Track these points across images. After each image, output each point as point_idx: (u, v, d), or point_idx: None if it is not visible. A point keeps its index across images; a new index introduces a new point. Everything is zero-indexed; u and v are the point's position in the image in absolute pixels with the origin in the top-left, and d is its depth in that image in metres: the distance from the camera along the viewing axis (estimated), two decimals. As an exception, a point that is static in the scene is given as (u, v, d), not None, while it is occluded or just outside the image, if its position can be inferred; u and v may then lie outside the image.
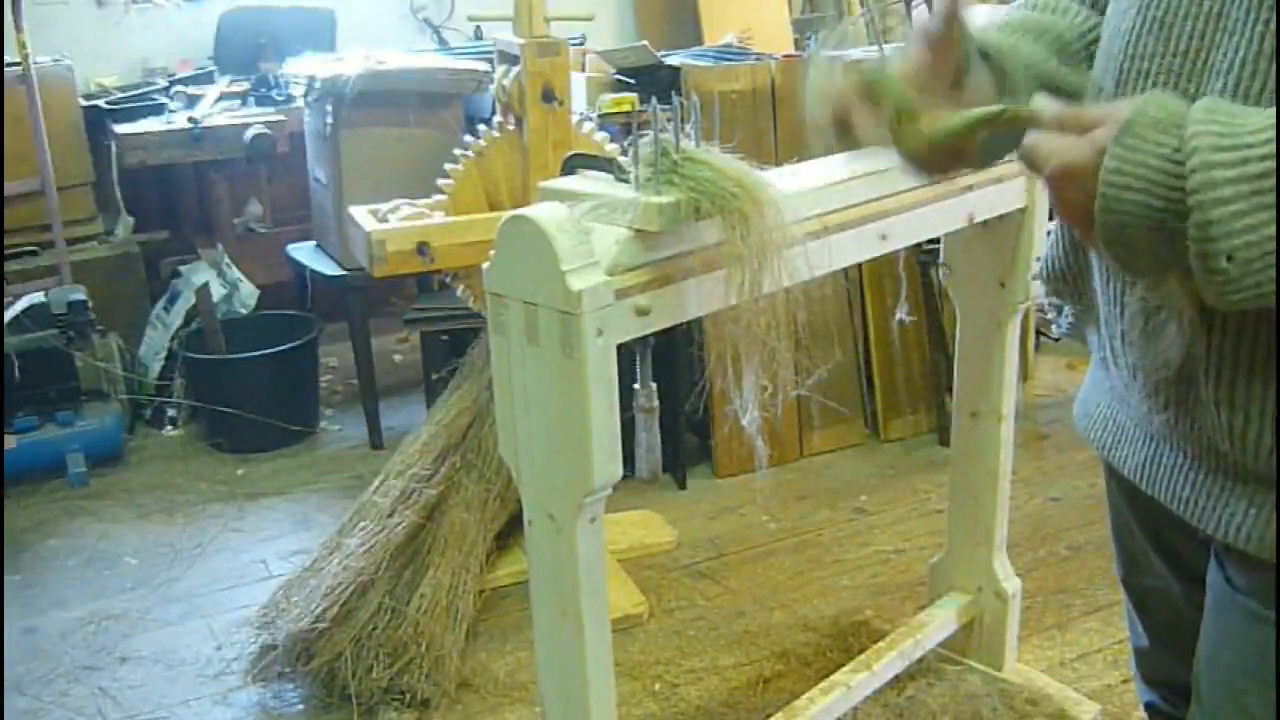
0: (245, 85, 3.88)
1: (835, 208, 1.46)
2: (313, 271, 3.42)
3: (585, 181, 1.31)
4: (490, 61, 2.72)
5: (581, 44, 3.67)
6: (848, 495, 3.05)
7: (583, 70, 3.29)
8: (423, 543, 2.41)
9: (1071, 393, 1.20)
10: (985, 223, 1.76)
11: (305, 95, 3.38)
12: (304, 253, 3.52)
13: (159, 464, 3.37)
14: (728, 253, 1.22)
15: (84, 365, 3.35)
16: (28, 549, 2.90)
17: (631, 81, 3.20)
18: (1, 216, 3.46)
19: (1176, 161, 0.76)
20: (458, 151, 2.38)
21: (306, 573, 2.42)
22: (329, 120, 3.19)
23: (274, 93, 3.81)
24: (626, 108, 3.08)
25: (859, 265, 3.19)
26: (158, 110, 3.73)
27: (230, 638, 2.44)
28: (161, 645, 2.48)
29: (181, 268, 3.77)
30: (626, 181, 1.26)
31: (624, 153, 1.36)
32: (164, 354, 3.57)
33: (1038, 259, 1.81)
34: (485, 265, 1.23)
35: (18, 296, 3.43)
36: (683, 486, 3.11)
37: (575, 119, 2.37)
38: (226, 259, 3.76)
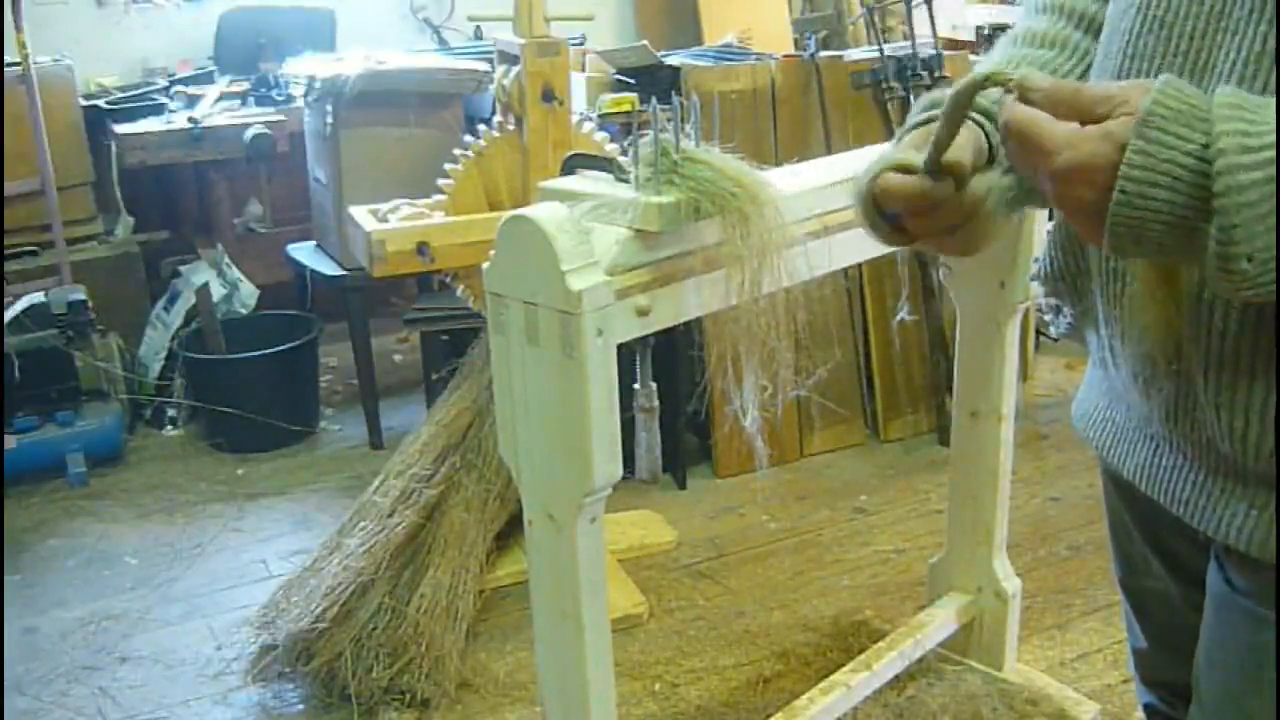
0: (245, 85, 3.88)
1: (835, 208, 1.46)
2: (313, 271, 3.41)
3: (585, 181, 1.31)
4: (490, 61, 2.72)
5: (581, 44, 3.68)
6: (848, 495, 3.05)
7: (583, 70, 3.29)
8: (423, 543, 2.41)
9: (1071, 393, 1.20)
10: (985, 223, 1.76)
11: (305, 95, 3.38)
12: (304, 253, 3.52)
13: (159, 464, 3.37)
14: (728, 253, 1.22)
15: (84, 365, 3.35)
16: (28, 549, 2.90)
17: (631, 81, 3.20)
18: (1, 216, 3.46)
19: (1204, 159, 0.74)
20: (458, 151, 2.38)
21: (306, 573, 2.42)
22: (329, 120, 3.19)
23: (274, 93, 3.81)
24: (626, 108, 3.08)
25: (859, 265, 3.20)
26: (158, 110, 3.73)
27: (230, 638, 2.44)
28: (161, 645, 2.48)
29: (181, 268, 3.77)
30: (626, 181, 1.26)
31: (624, 153, 1.36)
32: (164, 354, 3.57)
33: (1035, 259, 1.81)
34: (485, 265, 1.23)
35: (18, 296, 3.43)
36: (683, 486, 3.11)
37: (575, 119, 2.37)
38: (226, 259, 3.76)
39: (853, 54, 3.42)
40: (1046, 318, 1.12)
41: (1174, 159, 0.74)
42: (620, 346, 1.21)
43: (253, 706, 2.27)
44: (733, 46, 3.68)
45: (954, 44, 3.93)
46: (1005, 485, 2.05)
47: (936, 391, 3.33)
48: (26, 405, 3.25)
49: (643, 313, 1.22)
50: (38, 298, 3.38)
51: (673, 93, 1.68)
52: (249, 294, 3.72)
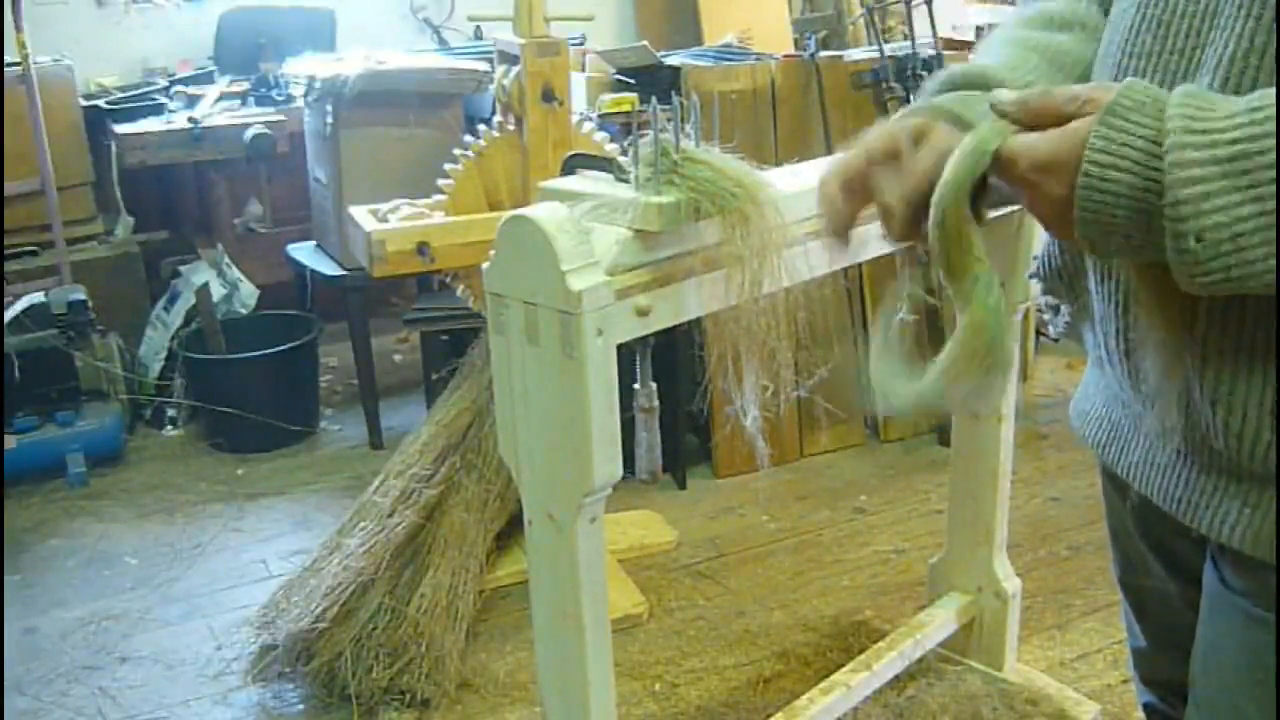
0: (245, 85, 3.88)
1: (835, 208, 1.45)
2: (313, 271, 3.41)
3: (585, 181, 1.31)
4: (490, 61, 2.72)
5: (581, 44, 3.68)
6: (848, 495, 3.05)
7: (583, 70, 3.29)
8: (423, 543, 2.41)
9: (1071, 392, 1.20)
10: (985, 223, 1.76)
11: (305, 95, 3.38)
12: (304, 253, 3.52)
13: (159, 464, 3.37)
14: (728, 253, 1.22)
15: (84, 365, 3.35)
16: (28, 549, 2.90)
17: (631, 81, 3.20)
18: (1, 216, 3.46)
19: (1156, 142, 0.77)
20: (458, 151, 2.38)
21: (306, 573, 2.42)
22: (329, 120, 3.19)
23: (274, 93, 3.80)
24: (626, 108, 3.08)
25: (859, 265, 3.19)
26: (158, 110, 3.73)
27: (230, 638, 2.44)
28: (161, 645, 2.48)
29: (181, 268, 3.77)
30: (626, 181, 1.26)
31: (624, 153, 1.36)
32: (164, 354, 3.57)
33: (1035, 257, 1.81)
34: (485, 265, 1.23)
35: (18, 296, 3.43)
36: (683, 486, 3.11)
37: (575, 119, 2.37)
38: (226, 259, 3.76)
39: (853, 54, 3.42)
40: (1045, 316, 1.12)
41: (1130, 143, 0.78)
42: (620, 346, 1.21)
43: (253, 706, 2.27)
44: (733, 46, 3.68)
45: (954, 44, 3.93)
46: (1005, 485, 2.05)
47: (936, 391, 3.32)
48: (26, 405, 3.25)
49: (643, 313, 1.22)
50: (38, 298, 3.38)
51: (673, 93, 1.68)
52: (249, 294, 3.72)
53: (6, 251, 3.50)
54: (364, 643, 2.24)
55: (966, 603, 2.11)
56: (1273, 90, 0.76)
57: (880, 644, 2.03)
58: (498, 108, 2.42)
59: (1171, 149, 0.76)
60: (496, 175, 2.36)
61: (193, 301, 3.52)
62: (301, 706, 2.26)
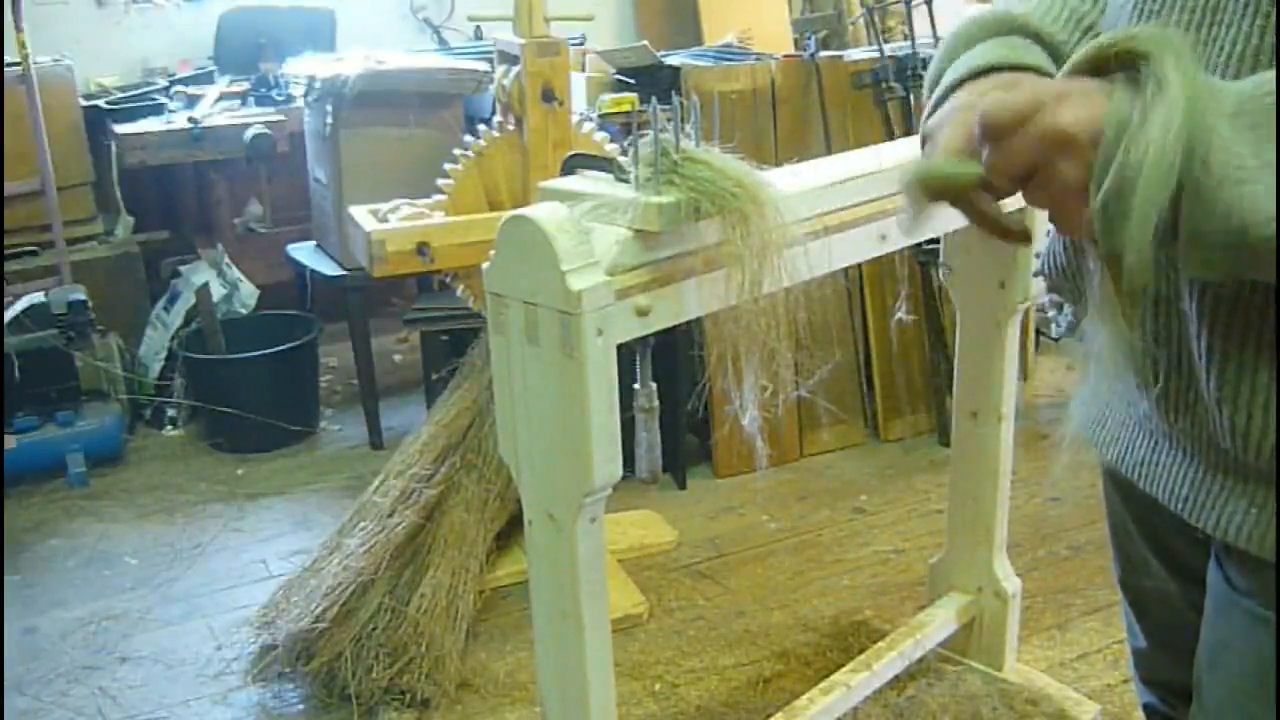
0: (245, 85, 3.88)
1: (835, 208, 1.46)
2: (313, 271, 3.42)
3: (585, 181, 1.31)
4: (490, 61, 2.72)
5: (581, 44, 3.67)
6: (848, 495, 3.05)
7: (583, 70, 3.29)
8: (423, 543, 2.41)
9: (1071, 392, 1.20)
10: (985, 223, 1.76)
11: (305, 95, 3.38)
12: (304, 253, 3.52)
13: (159, 464, 3.37)
14: (728, 253, 1.22)
15: (84, 365, 3.35)
16: (28, 549, 2.90)
17: (631, 81, 3.20)
18: (1, 216, 3.46)
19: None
20: (458, 151, 2.38)
21: (306, 573, 2.42)
22: (329, 120, 3.19)
23: (274, 93, 3.81)
24: (626, 108, 3.08)
25: (859, 265, 3.20)
26: (158, 110, 3.73)
27: (230, 638, 2.44)
28: (161, 645, 2.48)
29: (181, 268, 3.77)
30: (626, 181, 1.26)
31: (624, 153, 1.36)
32: (164, 354, 3.57)
33: (1037, 255, 1.81)
34: (485, 265, 1.23)
35: (18, 296, 3.43)
36: (683, 486, 3.11)
37: (575, 119, 2.37)
38: (226, 259, 3.76)
39: (853, 54, 3.42)
40: (1048, 315, 1.12)
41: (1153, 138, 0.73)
42: (620, 346, 1.21)
43: (253, 706, 2.27)
44: (733, 46, 3.68)
45: (954, 44, 3.92)
46: (1005, 485, 2.05)
47: (936, 391, 3.33)
48: (26, 405, 3.26)
49: (643, 313, 1.22)
50: (38, 298, 3.38)
51: (673, 93, 1.68)
52: (249, 294, 3.72)
53: (6, 251, 3.50)
54: (364, 643, 2.24)
55: (966, 603, 2.11)
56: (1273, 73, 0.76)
57: (880, 644, 2.03)
58: (498, 108, 2.42)
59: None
60: (496, 175, 2.36)
61: (193, 301, 3.52)
62: (301, 706, 2.26)
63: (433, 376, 3.11)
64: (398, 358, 4.11)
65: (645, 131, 1.24)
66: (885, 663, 1.98)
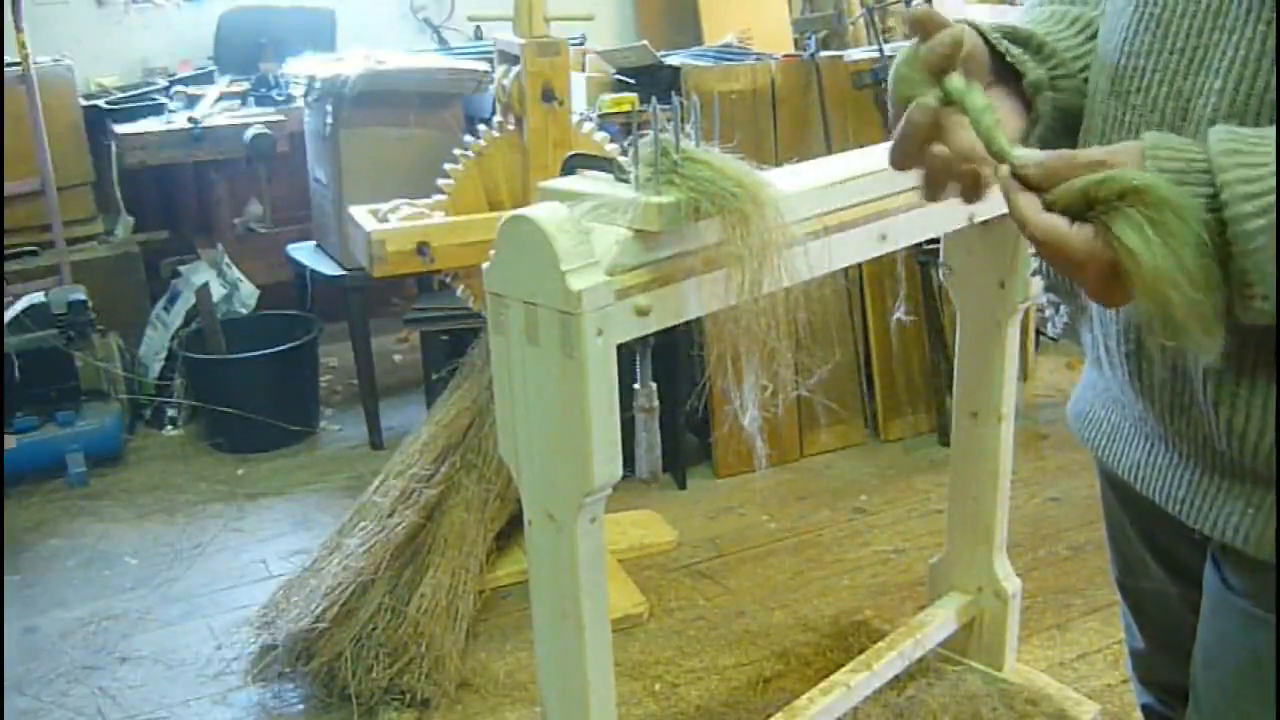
0: (245, 85, 3.88)
1: (835, 208, 1.46)
2: (313, 271, 3.42)
3: (585, 181, 1.31)
4: (490, 61, 2.72)
5: (581, 44, 3.67)
6: (848, 495, 3.05)
7: (583, 70, 3.29)
8: (423, 543, 2.41)
9: (1071, 392, 1.20)
10: (985, 222, 1.76)
11: (305, 95, 3.38)
12: (304, 253, 3.52)
13: (159, 464, 3.37)
14: (728, 253, 1.22)
15: (84, 365, 3.35)
16: (28, 549, 2.90)
17: (631, 81, 3.20)
18: (1, 216, 3.46)
19: (1214, 210, 0.77)
20: (458, 151, 2.38)
21: (306, 573, 2.42)
22: (329, 120, 3.19)
23: (274, 93, 3.81)
24: (626, 108, 3.08)
25: (859, 265, 3.20)
26: (158, 110, 3.73)
27: (230, 638, 2.44)
28: (161, 645, 2.48)
29: (181, 268, 3.77)
30: (626, 181, 1.26)
31: (624, 153, 1.36)
32: (164, 354, 3.57)
33: (1034, 253, 1.81)
34: (485, 265, 1.23)
35: (18, 296, 3.43)
36: (683, 486, 3.11)
37: (575, 119, 2.37)
38: (226, 259, 3.76)
39: (853, 54, 3.42)
40: (1045, 314, 1.12)
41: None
42: (620, 346, 1.21)
43: (253, 706, 2.27)
44: (733, 46, 3.68)
45: (954, 44, 3.92)
46: (1005, 485, 2.05)
47: (936, 391, 3.33)
48: (26, 405, 3.26)
49: (643, 313, 1.22)
50: (38, 298, 3.38)
51: (673, 93, 1.68)
52: (249, 294, 3.72)
53: (6, 251, 3.50)
54: (364, 643, 2.24)
55: (966, 603, 2.11)
56: None
57: (880, 644, 2.03)
58: (498, 108, 2.42)
59: (1234, 220, 0.76)
60: (496, 175, 2.36)
61: (193, 301, 3.52)
62: (301, 706, 2.26)
63: (433, 376, 3.11)
64: (398, 358, 4.11)
65: (645, 131, 1.24)
66: (885, 663, 1.98)
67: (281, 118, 3.64)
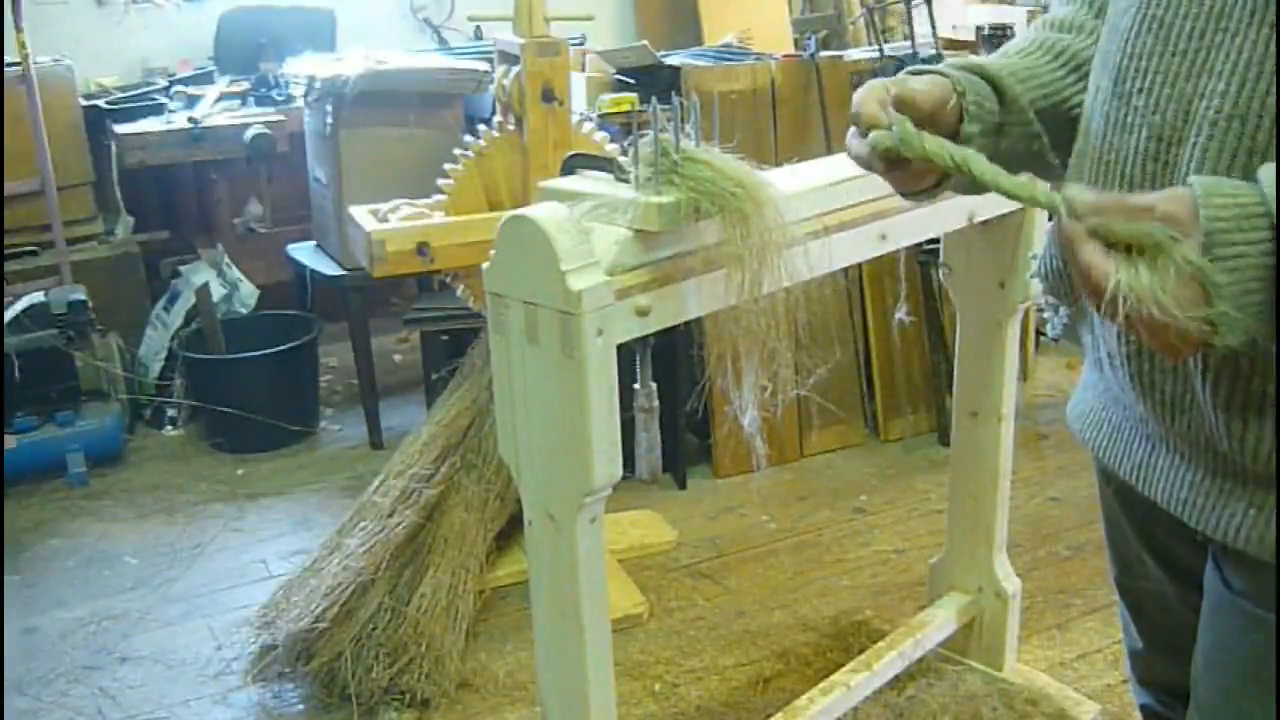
0: (245, 85, 3.88)
1: (835, 208, 1.46)
2: (313, 271, 3.42)
3: (585, 181, 1.31)
4: (490, 61, 2.72)
5: (581, 44, 3.67)
6: (848, 495, 3.05)
7: (583, 70, 3.29)
8: (423, 543, 2.41)
9: (1071, 393, 1.20)
10: (985, 223, 1.76)
11: (305, 95, 3.38)
12: (304, 253, 3.52)
13: (159, 464, 3.37)
14: (728, 253, 1.22)
15: (84, 365, 3.35)
16: (28, 549, 2.90)
17: (631, 81, 3.20)
18: (1, 216, 3.46)
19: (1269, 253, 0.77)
20: (458, 151, 2.38)
21: (306, 573, 2.42)
22: (329, 120, 3.19)
23: (274, 93, 3.81)
24: (626, 108, 3.08)
25: (859, 265, 3.20)
26: (158, 110, 3.73)
27: (230, 638, 2.44)
28: (161, 645, 2.48)
29: (181, 268, 3.77)
30: (626, 181, 1.26)
31: (624, 153, 1.36)
32: (164, 354, 3.57)
33: (1033, 256, 1.81)
34: (485, 265, 1.23)
35: (18, 296, 3.43)
36: (683, 486, 3.11)
37: (575, 119, 2.37)
38: (226, 259, 3.76)
39: (853, 54, 3.42)
40: (1045, 315, 1.13)
41: (1253, 263, 0.76)
42: (620, 346, 1.21)
43: (253, 706, 2.27)
44: (733, 46, 3.68)
45: (954, 44, 3.93)
46: (1005, 485, 2.05)
47: (936, 391, 3.33)
48: (26, 405, 3.25)
49: (643, 313, 1.22)
50: (38, 298, 3.38)
51: (673, 93, 1.68)
52: (249, 294, 3.72)
53: (6, 251, 3.50)
54: (364, 643, 2.24)
55: (966, 603, 2.11)
56: None
57: (880, 644, 2.03)
58: (498, 108, 2.42)
59: None
60: (496, 175, 2.36)
61: (193, 301, 3.52)
62: (301, 706, 2.26)
63: (433, 376, 3.11)
64: (398, 358, 4.11)
65: (645, 131, 1.25)
66: (885, 663, 1.98)
67: (281, 118, 3.64)
